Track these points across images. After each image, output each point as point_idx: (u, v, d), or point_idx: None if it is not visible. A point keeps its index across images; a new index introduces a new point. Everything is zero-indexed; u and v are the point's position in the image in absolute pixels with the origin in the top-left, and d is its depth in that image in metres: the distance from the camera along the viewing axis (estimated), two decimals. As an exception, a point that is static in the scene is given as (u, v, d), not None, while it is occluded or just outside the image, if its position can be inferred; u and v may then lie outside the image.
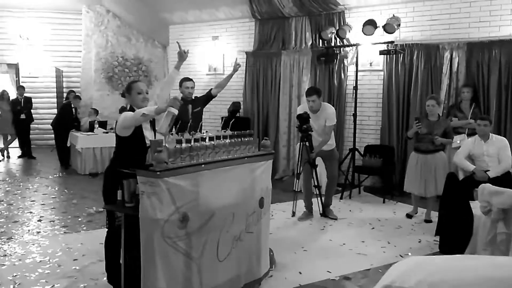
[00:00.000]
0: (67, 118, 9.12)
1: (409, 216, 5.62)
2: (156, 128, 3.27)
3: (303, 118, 5.19)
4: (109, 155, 7.67)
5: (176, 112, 3.10)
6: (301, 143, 5.39)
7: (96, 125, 8.94)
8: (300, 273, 3.89)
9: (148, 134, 3.38)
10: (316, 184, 5.53)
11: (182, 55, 3.99)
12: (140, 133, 3.30)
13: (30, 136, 10.41)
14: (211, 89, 5.44)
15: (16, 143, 10.52)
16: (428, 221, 5.40)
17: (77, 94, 9.96)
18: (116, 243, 3.40)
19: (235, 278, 3.38)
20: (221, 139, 3.27)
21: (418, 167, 5.34)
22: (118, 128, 3.27)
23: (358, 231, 5.12)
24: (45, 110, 11.77)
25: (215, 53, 8.93)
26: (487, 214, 3.63)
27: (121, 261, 3.26)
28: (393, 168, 6.80)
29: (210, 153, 3.13)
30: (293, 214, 5.61)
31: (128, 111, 3.36)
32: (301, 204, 5.65)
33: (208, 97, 5.41)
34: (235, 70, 5.36)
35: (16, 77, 12.03)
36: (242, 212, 3.38)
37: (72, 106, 9.28)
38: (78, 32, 11.62)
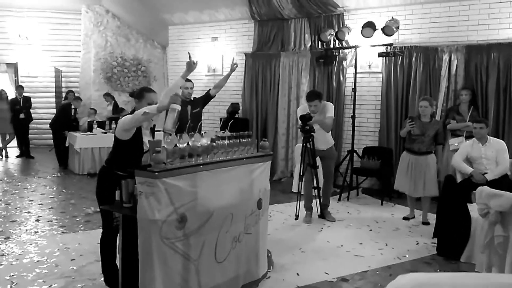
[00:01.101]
0: (67, 118, 9.13)
1: (406, 218, 5.64)
2: (163, 127, 3.28)
3: (306, 119, 5.21)
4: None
5: (179, 107, 3.10)
6: (304, 145, 5.39)
7: (95, 125, 8.93)
8: (298, 274, 3.89)
9: (147, 140, 3.37)
10: (315, 185, 5.53)
11: (191, 66, 4.06)
12: (140, 138, 3.31)
13: (29, 135, 10.40)
14: (210, 89, 5.44)
15: (14, 142, 10.51)
16: (425, 223, 5.41)
17: (77, 95, 9.97)
18: (111, 244, 3.41)
19: (234, 279, 3.38)
20: (220, 140, 3.28)
21: (409, 167, 5.39)
22: (118, 131, 3.26)
23: (356, 233, 5.12)
24: (44, 110, 11.75)
25: (215, 54, 8.94)
26: (485, 217, 3.63)
27: (117, 262, 3.26)
28: (391, 170, 6.80)
29: (208, 154, 3.13)
30: (297, 217, 5.57)
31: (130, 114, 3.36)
32: (300, 205, 5.63)
33: (207, 97, 5.41)
34: (232, 69, 5.38)
35: (15, 77, 12.01)
36: (241, 213, 3.39)
37: (73, 107, 9.29)
38: (78, 32, 11.62)
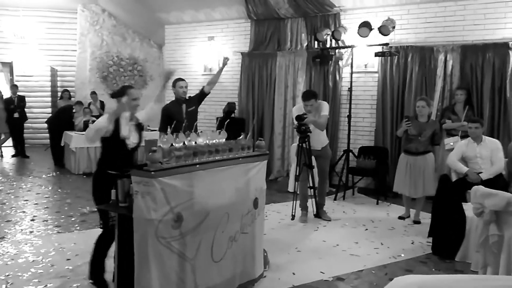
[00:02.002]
0: (66, 120, 9.11)
1: (401, 218, 5.65)
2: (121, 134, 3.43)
3: (303, 119, 5.21)
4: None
5: (127, 114, 3.33)
6: (300, 145, 5.40)
7: (90, 125, 8.90)
8: (294, 273, 3.90)
9: (132, 136, 3.44)
10: (311, 185, 5.54)
11: (168, 75, 4.19)
12: (117, 130, 3.39)
13: (24, 135, 10.37)
14: (203, 87, 5.45)
15: (9, 142, 10.47)
16: (416, 222, 5.43)
17: (79, 100, 9.97)
18: (108, 244, 3.49)
19: (230, 278, 3.38)
20: (216, 140, 3.29)
21: (408, 168, 5.38)
22: None
23: (351, 232, 5.13)
24: (39, 109, 11.71)
25: (211, 53, 8.93)
26: (480, 216, 3.65)
27: (114, 262, 3.27)
28: (386, 169, 6.82)
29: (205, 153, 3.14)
30: (293, 217, 5.57)
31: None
32: (296, 205, 5.64)
33: (201, 95, 5.41)
34: (224, 64, 5.41)
35: (10, 76, 11.96)
36: (237, 212, 3.39)
37: (74, 111, 9.28)
38: (73, 31, 11.59)
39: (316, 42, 7.65)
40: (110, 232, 3.41)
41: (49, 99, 11.63)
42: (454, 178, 5.07)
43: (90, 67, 11.34)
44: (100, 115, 9.29)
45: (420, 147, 5.32)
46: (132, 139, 3.45)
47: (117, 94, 3.51)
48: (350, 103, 7.01)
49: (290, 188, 6.83)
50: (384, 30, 6.62)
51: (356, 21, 7.01)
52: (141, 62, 11.61)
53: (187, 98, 5.28)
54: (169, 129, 3.57)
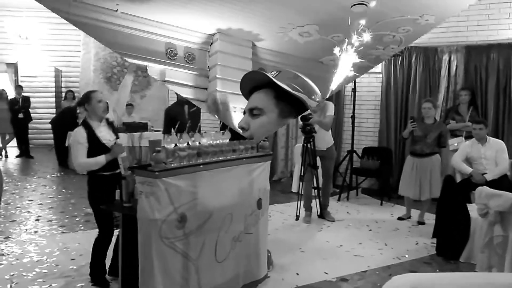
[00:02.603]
0: (70, 121, 9.14)
1: (401, 218, 5.62)
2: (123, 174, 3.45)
3: (308, 119, 5.20)
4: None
5: (124, 154, 3.38)
6: (304, 145, 5.39)
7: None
8: (298, 274, 3.90)
9: (107, 135, 3.47)
10: (315, 185, 5.53)
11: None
12: (95, 138, 3.40)
13: (28, 135, 10.41)
14: None
15: (14, 142, 10.51)
16: (421, 223, 5.41)
17: (81, 101, 9.99)
18: (106, 246, 3.56)
19: (234, 279, 3.38)
20: (220, 140, 3.30)
21: (414, 170, 5.34)
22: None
23: (355, 233, 5.12)
24: (43, 110, 11.75)
25: (214, 54, 8.93)
26: (484, 217, 3.64)
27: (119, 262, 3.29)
28: (390, 170, 6.81)
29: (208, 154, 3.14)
30: (297, 217, 5.57)
31: (81, 125, 3.45)
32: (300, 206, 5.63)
33: None
34: None
35: (15, 77, 12.01)
36: (241, 213, 3.39)
37: (78, 111, 9.30)
38: (77, 32, 11.55)
39: (319, 43, 7.64)
40: (107, 234, 3.51)
41: (53, 99, 11.67)
42: (458, 179, 5.06)
43: (94, 68, 11.36)
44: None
45: (426, 148, 5.29)
46: (109, 137, 3.49)
47: (83, 101, 3.54)
48: (354, 104, 7.00)
49: (294, 189, 6.83)
50: (388, 30, 6.61)
51: (360, 22, 7.00)
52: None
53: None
54: (173, 131, 3.58)
